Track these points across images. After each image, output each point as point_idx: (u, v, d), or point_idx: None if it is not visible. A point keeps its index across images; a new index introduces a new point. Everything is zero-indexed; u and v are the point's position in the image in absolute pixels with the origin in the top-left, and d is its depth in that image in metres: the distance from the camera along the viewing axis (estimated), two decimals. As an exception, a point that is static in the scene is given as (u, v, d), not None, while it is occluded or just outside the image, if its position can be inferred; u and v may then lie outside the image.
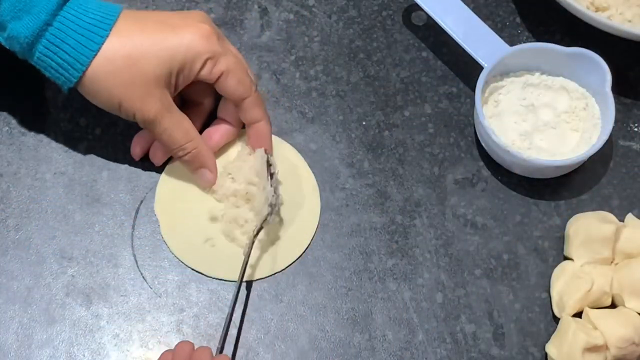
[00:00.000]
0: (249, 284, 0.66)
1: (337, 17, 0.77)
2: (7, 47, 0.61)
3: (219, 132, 0.69)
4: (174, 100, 0.65)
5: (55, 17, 0.60)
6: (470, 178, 0.70)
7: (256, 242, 0.66)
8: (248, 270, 0.66)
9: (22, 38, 0.60)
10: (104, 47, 0.61)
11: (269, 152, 0.67)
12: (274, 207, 0.64)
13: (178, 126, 0.65)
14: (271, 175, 0.64)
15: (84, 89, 0.62)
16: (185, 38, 0.62)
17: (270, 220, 0.64)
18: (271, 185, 0.64)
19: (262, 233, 0.66)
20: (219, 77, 0.64)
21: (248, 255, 0.63)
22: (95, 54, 0.60)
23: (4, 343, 0.63)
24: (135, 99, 0.62)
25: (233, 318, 0.65)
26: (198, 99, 0.69)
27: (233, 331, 0.64)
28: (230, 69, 0.64)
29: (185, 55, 0.62)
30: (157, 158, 0.68)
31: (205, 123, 0.69)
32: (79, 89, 0.63)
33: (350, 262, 0.67)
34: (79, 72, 0.61)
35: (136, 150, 0.69)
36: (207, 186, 0.68)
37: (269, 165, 0.65)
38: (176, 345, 0.59)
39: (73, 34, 0.60)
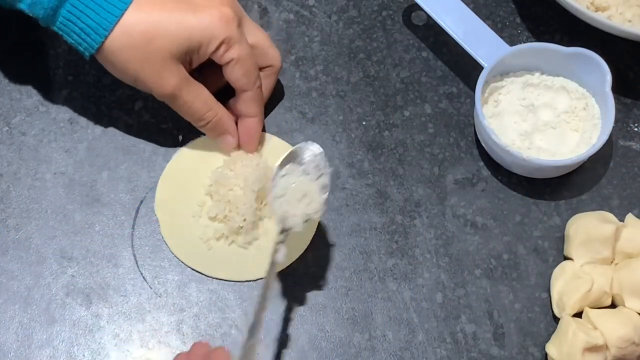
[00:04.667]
0: (249, 285, 0.66)
1: (337, 17, 0.77)
2: (30, 14, 0.62)
3: (246, 133, 0.69)
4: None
5: None
6: (470, 178, 0.70)
7: (255, 242, 0.66)
8: (247, 270, 0.66)
9: (47, 3, 0.61)
10: (123, 19, 0.61)
11: (252, 150, 0.68)
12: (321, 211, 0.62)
13: (197, 98, 0.65)
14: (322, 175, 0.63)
15: (102, 59, 0.63)
16: (204, 20, 0.63)
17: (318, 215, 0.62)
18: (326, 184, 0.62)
19: (261, 232, 0.67)
20: (228, 62, 0.65)
21: (274, 257, 0.61)
22: (115, 24, 0.61)
23: (4, 343, 0.63)
24: (151, 75, 0.63)
25: (232, 318, 0.65)
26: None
27: (233, 331, 0.64)
28: (241, 58, 0.64)
29: (201, 37, 0.63)
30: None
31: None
32: (98, 57, 0.63)
33: (350, 262, 0.67)
34: (101, 37, 0.61)
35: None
36: (230, 150, 0.68)
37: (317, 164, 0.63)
38: (192, 346, 0.58)
39: None
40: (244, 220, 0.66)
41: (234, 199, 0.66)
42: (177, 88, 0.64)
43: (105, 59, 0.63)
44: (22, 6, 0.61)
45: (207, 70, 0.67)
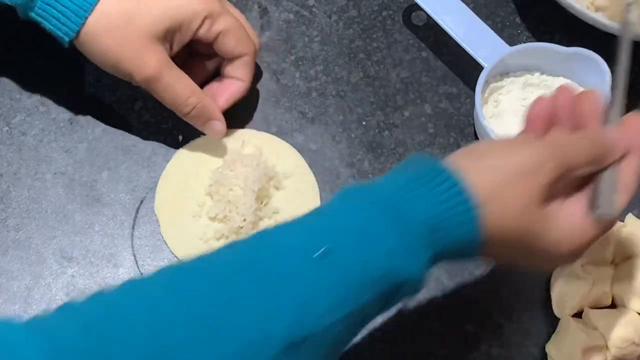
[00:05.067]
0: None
1: (337, 17, 0.77)
2: (7, 2, 0.61)
3: (227, 90, 0.68)
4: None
5: None
6: (470, 178, 0.70)
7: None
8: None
9: None
10: (102, 1, 0.61)
11: (222, 108, 0.67)
12: None
13: (179, 80, 0.64)
14: None
15: (81, 44, 0.63)
16: None
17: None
18: None
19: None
20: (217, 37, 0.64)
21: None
22: (94, 5, 0.60)
23: (4, 343, 0.63)
24: (132, 57, 0.62)
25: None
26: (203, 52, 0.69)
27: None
28: (229, 28, 0.64)
29: (183, 13, 0.62)
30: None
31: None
32: (78, 45, 0.63)
33: (350, 262, 0.67)
34: (81, 18, 0.61)
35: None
36: (218, 137, 0.68)
37: None
38: (558, 89, 0.56)
39: None
40: (244, 220, 0.66)
41: (234, 199, 0.66)
42: (158, 70, 0.63)
43: (85, 44, 0.62)
44: None
45: (190, 64, 0.67)
